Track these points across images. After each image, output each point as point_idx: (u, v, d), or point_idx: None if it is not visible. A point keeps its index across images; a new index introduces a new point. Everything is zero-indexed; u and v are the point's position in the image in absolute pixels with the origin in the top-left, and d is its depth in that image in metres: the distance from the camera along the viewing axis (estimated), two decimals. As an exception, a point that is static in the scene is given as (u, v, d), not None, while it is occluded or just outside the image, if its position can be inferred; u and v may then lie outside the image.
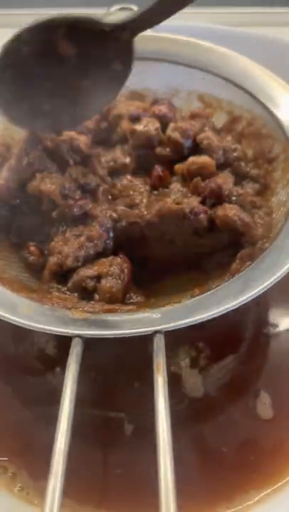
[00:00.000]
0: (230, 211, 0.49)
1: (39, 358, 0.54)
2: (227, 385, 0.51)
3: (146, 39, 0.66)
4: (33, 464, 0.46)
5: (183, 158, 0.56)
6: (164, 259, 0.51)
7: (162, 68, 0.64)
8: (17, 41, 0.45)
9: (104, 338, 0.40)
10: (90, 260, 0.48)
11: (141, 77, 0.64)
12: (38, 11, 0.97)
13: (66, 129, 0.53)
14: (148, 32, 0.71)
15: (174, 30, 0.67)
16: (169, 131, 0.57)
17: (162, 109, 0.60)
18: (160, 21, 0.49)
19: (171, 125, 0.57)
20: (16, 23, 0.87)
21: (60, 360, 0.52)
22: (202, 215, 0.49)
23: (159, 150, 0.58)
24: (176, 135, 0.56)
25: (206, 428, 0.49)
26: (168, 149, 0.57)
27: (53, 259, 0.48)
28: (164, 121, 0.59)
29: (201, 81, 0.63)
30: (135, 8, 0.74)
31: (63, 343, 0.52)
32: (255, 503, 0.44)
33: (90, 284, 0.46)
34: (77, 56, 0.48)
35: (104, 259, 0.48)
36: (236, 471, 0.46)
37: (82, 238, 0.48)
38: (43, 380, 0.52)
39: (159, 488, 0.30)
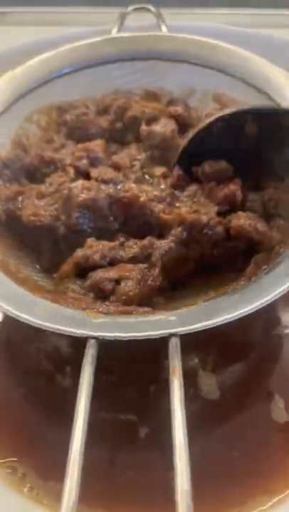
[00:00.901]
0: (244, 221, 0.48)
1: (50, 358, 0.53)
2: (242, 388, 0.50)
3: (163, 39, 0.66)
4: (43, 464, 0.46)
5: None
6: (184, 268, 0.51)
7: (179, 68, 0.64)
8: (211, 125, 0.52)
9: (119, 340, 0.40)
10: (116, 262, 0.48)
11: (157, 77, 0.65)
12: (52, 9, 0.97)
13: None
14: (165, 32, 0.71)
15: (187, 30, 0.67)
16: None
17: (178, 109, 0.60)
18: None
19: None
20: (34, 21, 0.88)
21: (71, 361, 0.52)
22: (219, 228, 0.48)
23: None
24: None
25: (220, 431, 0.48)
26: None
27: (81, 251, 0.48)
28: (179, 121, 0.59)
29: (217, 82, 0.63)
30: (152, 8, 0.74)
31: (75, 343, 0.52)
32: (268, 508, 0.43)
33: (108, 286, 0.45)
34: (258, 137, 0.52)
35: (127, 264, 0.47)
36: (249, 476, 0.45)
37: (117, 242, 0.48)
38: (53, 380, 0.51)
39: (175, 495, 0.30)
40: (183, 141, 0.55)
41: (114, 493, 0.44)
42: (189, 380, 0.50)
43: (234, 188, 0.51)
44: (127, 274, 0.46)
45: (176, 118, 0.59)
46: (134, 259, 0.48)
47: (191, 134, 0.54)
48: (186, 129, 0.60)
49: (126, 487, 0.45)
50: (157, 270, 0.47)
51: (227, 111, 0.52)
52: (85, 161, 0.55)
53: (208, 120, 0.53)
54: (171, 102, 0.63)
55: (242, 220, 0.49)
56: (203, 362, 0.52)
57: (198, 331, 0.40)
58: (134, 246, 0.49)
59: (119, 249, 0.49)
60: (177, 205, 0.52)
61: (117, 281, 0.46)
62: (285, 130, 0.50)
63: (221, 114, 0.52)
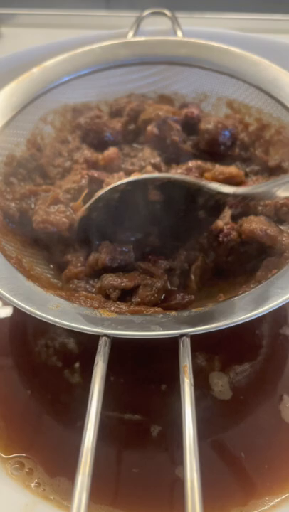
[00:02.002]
0: (256, 225, 0.49)
1: (58, 355, 0.54)
2: (252, 389, 0.51)
3: (177, 44, 0.67)
4: (50, 460, 0.46)
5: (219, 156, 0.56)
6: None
7: (193, 73, 0.64)
8: (112, 191, 0.48)
9: (130, 339, 0.40)
10: (128, 266, 0.48)
11: (170, 82, 0.65)
12: (64, 11, 0.98)
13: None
14: (179, 37, 0.72)
15: (202, 35, 0.68)
16: (202, 125, 0.58)
17: (194, 111, 0.61)
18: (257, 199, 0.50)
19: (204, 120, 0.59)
20: (42, 24, 0.89)
21: (79, 357, 0.53)
22: (233, 233, 0.49)
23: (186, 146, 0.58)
24: (210, 126, 0.57)
25: (230, 432, 0.48)
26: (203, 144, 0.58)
27: (94, 255, 0.48)
28: (193, 123, 0.61)
29: (230, 87, 0.64)
30: (168, 12, 0.75)
31: (84, 340, 0.53)
32: (270, 508, 0.44)
33: (113, 294, 0.46)
34: (163, 202, 0.48)
35: (136, 274, 0.48)
36: (254, 476, 0.45)
37: (130, 247, 0.49)
38: (61, 376, 0.52)
39: (185, 492, 0.30)
40: (82, 210, 0.51)
41: (120, 490, 0.45)
42: (201, 380, 0.50)
43: None
44: (144, 282, 0.46)
45: (190, 120, 0.60)
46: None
47: (88, 203, 0.50)
48: (198, 131, 0.61)
49: (131, 484, 0.45)
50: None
51: (123, 181, 0.48)
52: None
53: (106, 188, 0.49)
54: (184, 105, 0.64)
55: (253, 224, 0.49)
56: (215, 362, 0.52)
57: (208, 332, 0.40)
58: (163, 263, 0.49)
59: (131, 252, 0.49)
60: None
61: (124, 289, 0.46)
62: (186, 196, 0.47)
63: (116, 184, 0.48)
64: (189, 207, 0.48)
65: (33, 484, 0.45)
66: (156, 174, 0.51)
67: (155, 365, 0.51)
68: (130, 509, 0.43)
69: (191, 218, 0.49)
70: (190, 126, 0.61)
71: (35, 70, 0.61)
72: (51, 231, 0.51)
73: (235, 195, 0.46)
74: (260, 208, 0.52)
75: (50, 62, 0.62)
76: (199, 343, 0.47)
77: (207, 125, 0.58)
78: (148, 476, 0.45)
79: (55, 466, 0.45)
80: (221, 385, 0.51)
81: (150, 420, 0.48)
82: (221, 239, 0.49)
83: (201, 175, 0.55)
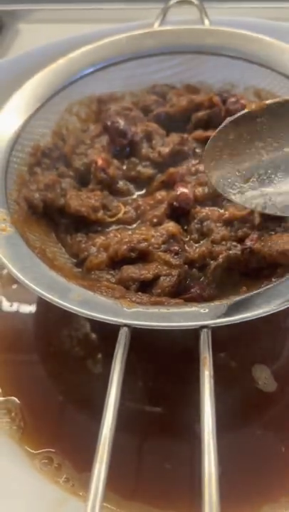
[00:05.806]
0: (281, 245, 0.45)
1: (82, 347, 0.54)
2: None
3: (205, 33, 0.66)
4: (78, 455, 0.46)
5: None
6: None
7: (220, 62, 0.63)
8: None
9: (154, 330, 0.40)
10: (147, 257, 0.48)
11: (197, 71, 0.64)
12: (82, 6, 0.98)
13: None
14: (205, 26, 0.71)
15: (230, 24, 0.67)
16: None
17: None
18: None
19: None
20: (60, 19, 0.88)
21: (102, 348, 0.53)
22: (249, 245, 0.47)
23: None
24: None
25: (275, 424, 0.47)
26: None
27: (113, 246, 0.49)
28: None
29: (258, 76, 0.62)
30: (195, 1, 0.74)
31: (106, 331, 0.52)
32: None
33: (133, 286, 0.46)
34: None
35: (155, 265, 0.47)
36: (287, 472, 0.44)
37: (150, 233, 0.49)
38: (87, 370, 0.52)
39: (202, 486, 0.30)
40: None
41: (152, 486, 0.44)
42: (244, 374, 0.50)
43: None
44: (166, 272, 0.46)
45: None
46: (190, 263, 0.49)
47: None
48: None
49: (162, 480, 0.44)
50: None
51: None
52: None
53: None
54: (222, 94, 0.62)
55: (279, 243, 0.46)
56: (255, 355, 0.51)
57: (241, 324, 0.39)
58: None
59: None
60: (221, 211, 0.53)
61: (144, 281, 0.46)
62: None
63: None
64: None
65: (61, 480, 0.44)
66: None
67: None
68: (162, 506, 0.43)
69: None
70: None
71: (61, 61, 0.61)
72: (88, 215, 0.53)
73: None
74: None
75: (76, 53, 0.62)
76: (236, 336, 0.47)
77: None
78: (179, 472, 0.44)
79: (82, 461, 0.45)
80: (264, 377, 0.50)
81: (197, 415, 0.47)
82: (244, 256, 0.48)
83: None
